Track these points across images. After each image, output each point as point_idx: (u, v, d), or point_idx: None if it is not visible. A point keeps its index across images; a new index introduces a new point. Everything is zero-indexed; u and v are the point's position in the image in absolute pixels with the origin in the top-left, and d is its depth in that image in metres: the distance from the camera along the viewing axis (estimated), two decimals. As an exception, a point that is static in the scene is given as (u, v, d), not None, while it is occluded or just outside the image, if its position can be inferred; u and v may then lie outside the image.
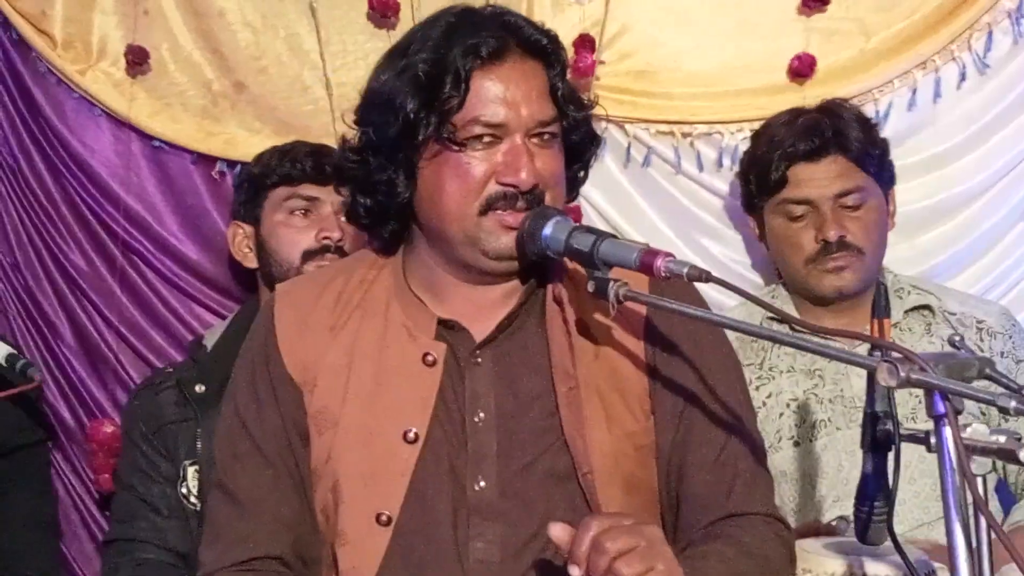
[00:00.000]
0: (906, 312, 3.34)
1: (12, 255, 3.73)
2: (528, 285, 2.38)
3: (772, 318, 3.24)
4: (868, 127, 3.37)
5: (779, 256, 3.41)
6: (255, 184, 3.42)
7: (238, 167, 3.65)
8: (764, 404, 3.28)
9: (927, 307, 3.35)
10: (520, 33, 2.33)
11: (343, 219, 3.14)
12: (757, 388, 3.29)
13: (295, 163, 3.37)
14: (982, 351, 3.26)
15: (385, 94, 2.31)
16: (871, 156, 3.33)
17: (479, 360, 2.36)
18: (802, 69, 3.68)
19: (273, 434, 2.39)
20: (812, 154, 3.29)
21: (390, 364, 2.36)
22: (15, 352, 3.28)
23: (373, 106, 2.35)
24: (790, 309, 3.38)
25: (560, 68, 2.38)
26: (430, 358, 2.34)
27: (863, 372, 3.10)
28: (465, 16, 2.35)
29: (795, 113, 3.41)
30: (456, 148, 2.29)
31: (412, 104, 2.27)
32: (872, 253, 3.31)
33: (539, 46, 2.35)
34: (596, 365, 2.35)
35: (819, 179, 3.29)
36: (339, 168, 2.48)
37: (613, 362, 2.36)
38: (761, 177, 3.36)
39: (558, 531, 2.06)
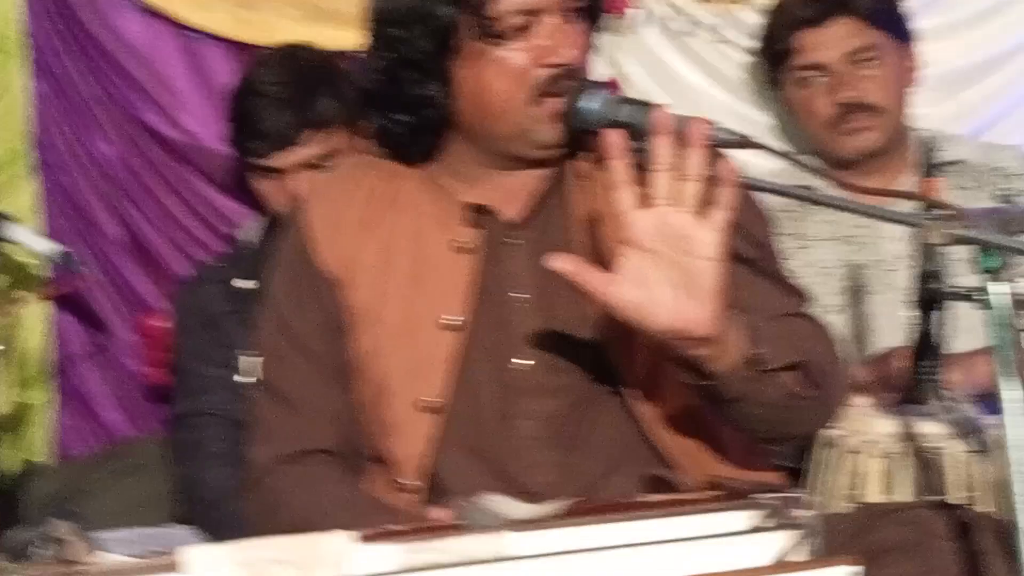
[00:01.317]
0: (938, 167, 3.28)
1: (53, 153, 3.72)
2: (556, 167, 2.36)
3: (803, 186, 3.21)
4: None
5: (800, 124, 3.41)
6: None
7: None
8: (799, 273, 3.26)
9: (960, 161, 3.31)
10: None
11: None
12: (793, 257, 3.23)
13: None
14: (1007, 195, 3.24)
15: (408, 5, 2.26)
16: (881, 12, 3.30)
17: (514, 240, 2.35)
18: None
19: (316, 328, 2.39)
20: (817, 18, 3.27)
21: (425, 255, 2.35)
22: (68, 250, 3.31)
23: (396, 21, 2.28)
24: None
25: None
26: (464, 246, 2.34)
27: (895, 236, 3.16)
28: None
29: None
30: (493, 43, 2.24)
31: (445, 9, 2.23)
32: (893, 110, 3.29)
33: None
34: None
35: (827, 42, 3.27)
36: (365, 92, 2.39)
37: None
38: (771, 49, 3.37)
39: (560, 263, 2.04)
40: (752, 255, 2.30)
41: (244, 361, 3.20)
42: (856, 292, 3.25)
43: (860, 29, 3.27)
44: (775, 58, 3.37)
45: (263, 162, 3.31)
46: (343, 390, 2.39)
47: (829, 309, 3.22)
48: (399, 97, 2.31)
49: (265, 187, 3.34)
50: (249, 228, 3.51)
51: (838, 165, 3.30)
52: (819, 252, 3.30)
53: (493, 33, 2.23)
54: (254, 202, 3.64)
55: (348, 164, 2.60)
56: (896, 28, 3.33)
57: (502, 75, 2.25)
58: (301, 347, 2.40)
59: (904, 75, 3.34)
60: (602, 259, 2.20)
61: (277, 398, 2.41)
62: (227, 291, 3.36)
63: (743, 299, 2.16)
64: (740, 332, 2.06)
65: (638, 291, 2.00)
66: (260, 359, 2.47)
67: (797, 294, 2.38)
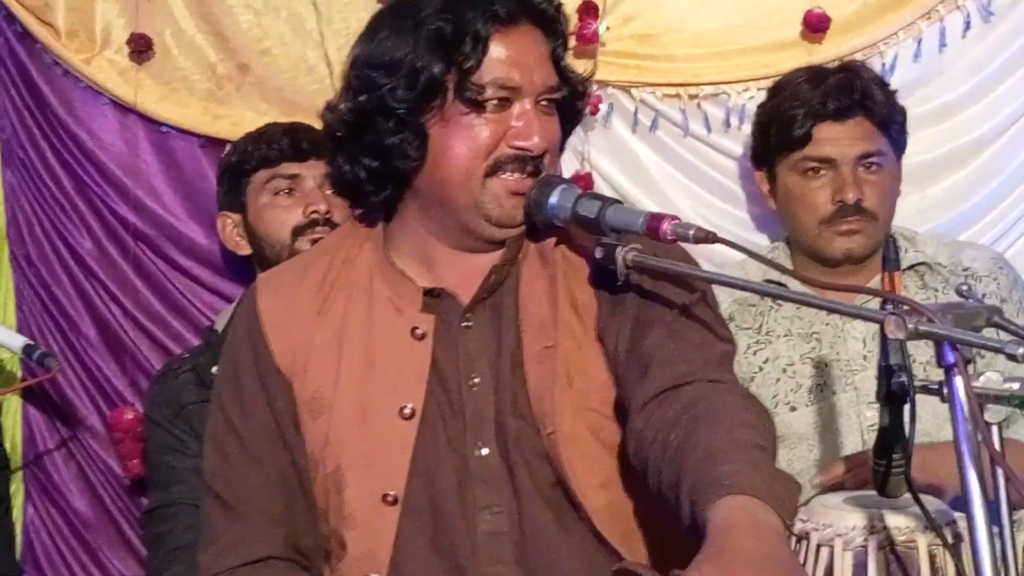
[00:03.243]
0: (904, 270, 3.29)
1: (25, 248, 3.74)
2: (512, 242, 2.35)
3: (771, 280, 3.19)
4: (889, 92, 3.34)
5: (789, 214, 3.36)
6: (235, 172, 3.44)
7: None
8: (760, 369, 3.27)
9: (924, 263, 3.32)
10: (528, 0, 2.33)
11: (328, 191, 3.17)
12: (755, 352, 3.28)
13: (271, 144, 3.39)
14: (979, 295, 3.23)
15: (399, 56, 2.28)
16: (893, 121, 3.30)
17: (470, 324, 2.34)
18: (817, 23, 3.65)
19: (261, 429, 2.37)
20: (840, 113, 3.24)
21: (379, 341, 2.34)
22: (32, 343, 3.31)
23: (383, 68, 2.29)
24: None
25: (562, 38, 2.38)
26: (419, 331, 2.33)
27: (859, 335, 3.19)
28: None
29: (819, 71, 3.37)
30: (468, 110, 2.28)
31: (438, 66, 2.25)
32: (884, 218, 3.28)
33: (547, 15, 2.35)
34: (569, 322, 2.31)
35: (843, 139, 3.24)
36: (331, 133, 2.39)
37: (574, 319, 2.33)
38: (782, 132, 3.30)
39: None
40: (687, 301, 2.30)
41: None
42: (819, 390, 3.25)
43: (873, 133, 3.26)
44: (784, 142, 3.30)
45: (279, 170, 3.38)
46: (291, 490, 2.37)
47: (793, 405, 3.24)
48: (371, 143, 2.32)
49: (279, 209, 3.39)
50: (223, 316, 3.51)
51: (819, 261, 3.30)
52: (779, 347, 3.29)
53: (473, 100, 2.27)
54: (229, 291, 3.66)
55: (300, 255, 2.60)
56: (898, 139, 3.34)
57: (468, 141, 2.28)
58: (244, 449, 2.38)
59: (896, 186, 3.35)
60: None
61: (223, 503, 2.39)
62: (199, 380, 3.36)
63: (683, 335, 2.21)
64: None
65: None
66: (205, 460, 2.46)
67: (728, 341, 2.35)
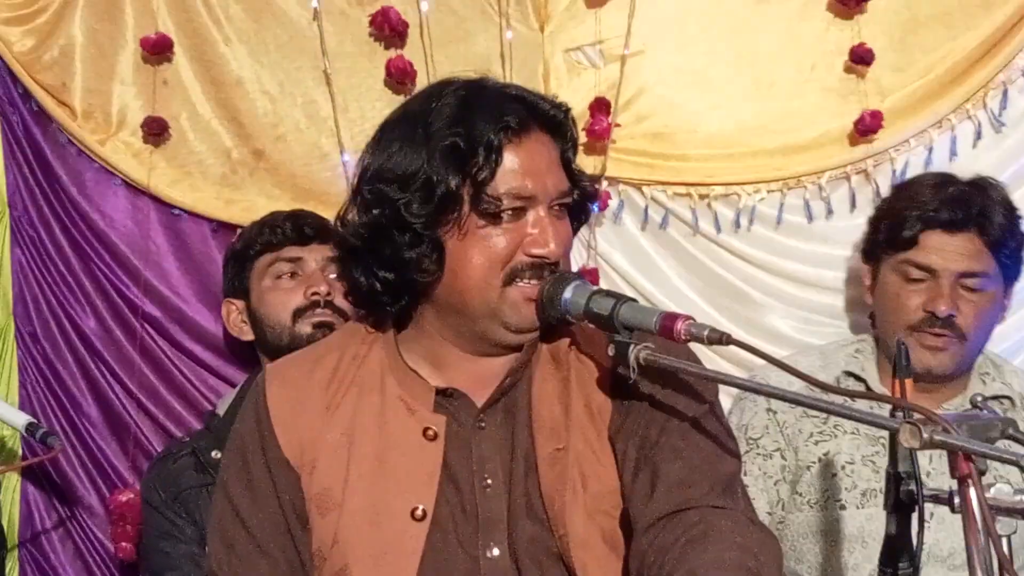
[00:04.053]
0: (985, 399, 3.15)
1: (31, 324, 3.75)
2: (529, 345, 2.35)
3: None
4: (1013, 216, 3.28)
5: (881, 313, 3.33)
6: (239, 258, 3.46)
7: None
8: (819, 460, 3.24)
9: (1007, 397, 3.27)
10: (538, 107, 2.33)
11: (331, 275, 3.18)
12: (816, 443, 3.25)
13: (275, 229, 3.42)
14: None
15: (412, 169, 2.26)
16: (1006, 246, 3.23)
17: (483, 425, 2.33)
18: (873, 125, 3.68)
19: (269, 521, 2.35)
20: (952, 225, 3.19)
21: (391, 441, 2.32)
22: (35, 421, 3.30)
23: (395, 182, 2.28)
24: (871, 365, 3.33)
25: (572, 140, 2.38)
26: (431, 432, 2.31)
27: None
28: (475, 90, 2.33)
29: (945, 178, 3.31)
30: (485, 222, 2.26)
31: (454, 179, 2.23)
32: (973, 341, 3.23)
33: (556, 120, 2.35)
34: (582, 424, 2.31)
35: (949, 251, 3.20)
36: (346, 246, 2.38)
37: (587, 421, 2.32)
38: (892, 231, 3.27)
39: None
40: (696, 413, 2.30)
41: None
42: (873, 495, 3.19)
43: (982, 252, 3.20)
44: (892, 241, 3.27)
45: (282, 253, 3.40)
46: None
47: (844, 504, 3.21)
48: (388, 256, 2.30)
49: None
50: (225, 401, 3.50)
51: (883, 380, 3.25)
52: (842, 442, 3.24)
53: (491, 212, 2.26)
54: (233, 376, 3.66)
55: (310, 346, 2.59)
56: (1010, 265, 3.27)
57: (486, 253, 2.27)
58: (251, 539, 2.36)
59: (997, 312, 3.30)
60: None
61: None
62: (198, 464, 3.34)
63: (691, 456, 2.22)
64: None
65: None
66: (210, 547, 2.43)
67: (735, 454, 2.35)
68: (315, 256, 3.38)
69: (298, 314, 3.34)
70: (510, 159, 2.26)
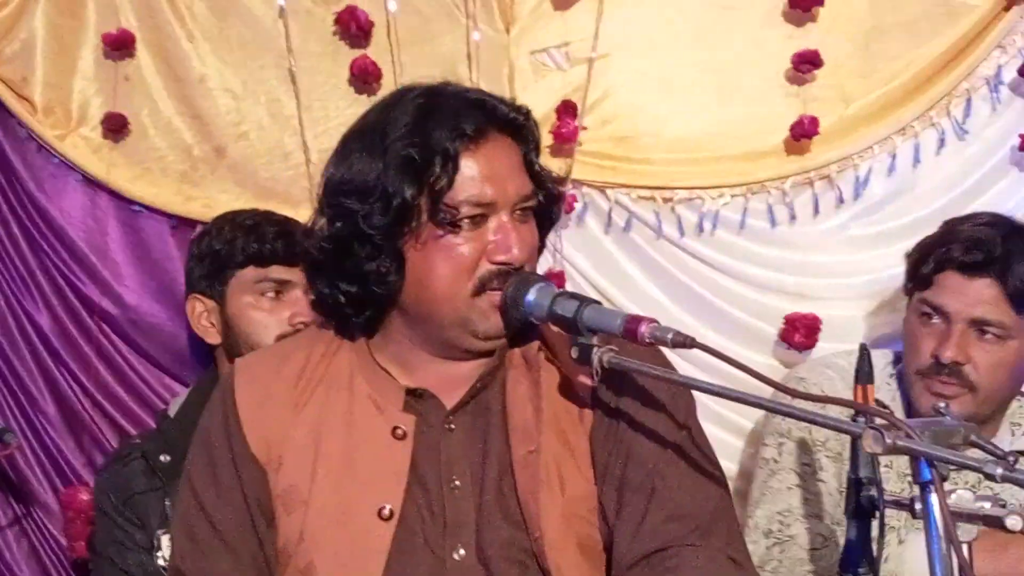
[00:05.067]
0: (1009, 453, 3.09)
1: (-13, 321, 3.71)
2: (500, 349, 2.35)
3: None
4: None
5: (904, 349, 3.20)
6: (219, 260, 3.36)
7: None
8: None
9: None
10: (496, 111, 2.31)
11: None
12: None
13: (263, 242, 3.33)
14: None
15: (370, 182, 2.25)
16: None
17: (452, 427, 2.33)
18: (805, 130, 3.68)
19: (233, 517, 2.34)
20: (967, 268, 3.05)
21: (359, 439, 2.32)
22: None
23: (355, 193, 2.27)
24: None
25: (534, 142, 2.37)
26: (400, 431, 2.31)
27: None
28: (434, 97, 2.31)
29: (985, 219, 3.17)
30: (446, 231, 2.25)
31: (410, 190, 2.22)
32: (988, 393, 3.07)
33: (516, 123, 2.33)
34: (556, 427, 2.31)
35: (963, 296, 3.06)
36: (312, 258, 2.37)
37: (568, 423, 2.33)
38: (915, 267, 3.16)
39: None
40: (676, 439, 2.31)
41: (166, 541, 3.15)
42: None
43: (999, 301, 3.03)
44: (912, 278, 3.16)
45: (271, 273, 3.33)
46: None
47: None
48: (349, 268, 2.29)
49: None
50: (177, 401, 3.47)
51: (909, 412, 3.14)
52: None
53: (448, 221, 2.24)
54: (187, 376, 3.63)
55: (279, 343, 2.57)
56: None
57: (450, 263, 2.26)
58: (216, 534, 2.35)
59: (1020, 365, 3.10)
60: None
61: None
62: (148, 468, 3.30)
63: (672, 496, 2.23)
64: None
65: None
66: (174, 541, 2.43)
67: (718, 481, 2.35)
68: (302, 279, 3.32)
69: (281, 340, 3.30)
70: (468, 166, 2.25)
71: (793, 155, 3.72)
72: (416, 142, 2.24)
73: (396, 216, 2.24)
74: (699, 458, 2.32)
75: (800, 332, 3.69)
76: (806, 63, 3.68)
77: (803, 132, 3.68)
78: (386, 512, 2.27)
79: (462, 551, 2.28)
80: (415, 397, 2.33)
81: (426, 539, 2.28)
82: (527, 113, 2.37)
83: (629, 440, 2.30)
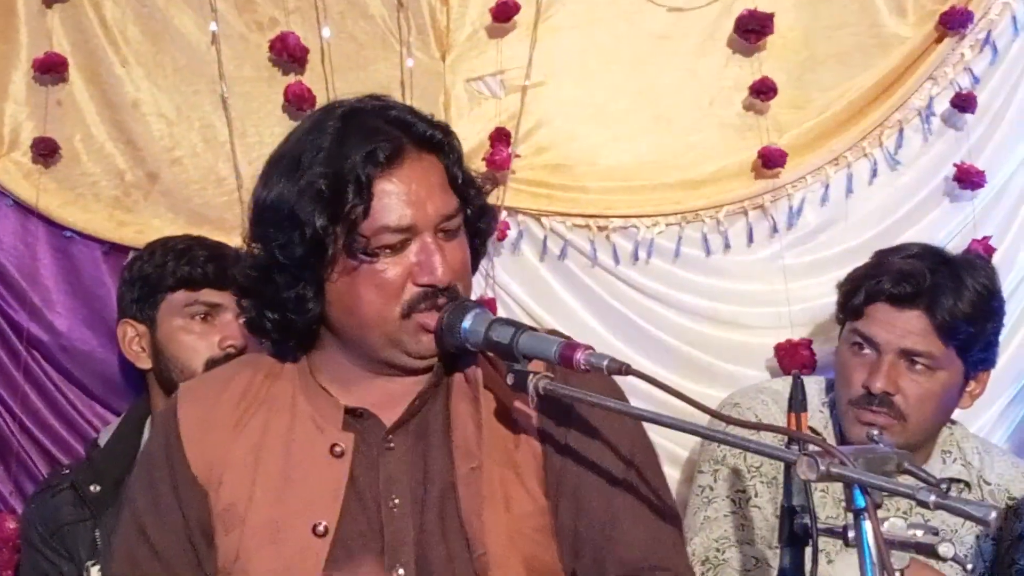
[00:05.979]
0: (947, 480, 3.13)
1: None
2: (438, 367, 2.34)
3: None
4: (980, 303, 3.09)
5: (836, 379, 3.22)
6: (149, 284, 3.31)
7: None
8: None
9: (964, 481, 3.19)
10: (413, 130, 2.29)
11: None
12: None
13: (194, 266, 3.28)
14: (1010, 532, 3.16)
15: (285, 210, 2.23)
16: (958, 331, 3.06)
17: (392, 445, 2.31)
18: (779, 159, 3.71)
19: (174, 539, 2.33)
20: (896, 300, 3.07)
21: (298, 457, 2.31)
22: None
23: (273, 222, 2.26)
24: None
25: (456, 156, 2.34)
26: (338, 448, 2.30)
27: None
28: (352, 119, 2.29)
29: (908, 249, 3.20)
30: (367, 259, 2.24)
31: (320, 220, 2.20)
32: (918, 423, 3.08)
33: (434, 140, 2.31)
34: (499, 446, 2.31)
35: (893, 327, 3.07)
36: (240, 284, 2.37)
37: (512, 443, 2.32)
38: (846, 298, 3.18)
39: None
40: (622, 475, 2.31)
41: (95, 572, 3.11)
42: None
43: (929, 333, 3.04)
44: (843, 308, 3.19)
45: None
46: None
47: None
48: (270, 295, 2.29)
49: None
50: (108, 430, 3.43)
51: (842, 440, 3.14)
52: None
53: (363, 250, 2.23)
54: (118, 403, 3.59)
55: (223, 366, 2.56)
56: (968, 351, 3.10)
57: (374, 288, 2.24)
58: (156, 556, 2.33)
59: (953, 397, 3.14)
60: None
61: None
62: (77, 499, 3.26)
63: (629, 542, 2.27)
64: None
65: None
66: (114, 564, 2.40)
67: (671, 516, 2.37)
68: (233, 303, 3.29)
69: (211, 364, 3.23)
70: (384, 191, 2.23)
71: (727, 184, 3.74)
72: (328, 172, 2.21)
73: (311, 247, 2.22)
74: (649, 494, 2.33)
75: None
76: (762, 93, 3.72)
77: (773, 161, 3.71)
78: (321, 528, 2.26)
79: (401, 570, 2.26)
80: (354, 416, 2.32)
81: (363, 557, 2.26)
82: (445, 128, 2.36)
83: (577, 484, 2.31)
